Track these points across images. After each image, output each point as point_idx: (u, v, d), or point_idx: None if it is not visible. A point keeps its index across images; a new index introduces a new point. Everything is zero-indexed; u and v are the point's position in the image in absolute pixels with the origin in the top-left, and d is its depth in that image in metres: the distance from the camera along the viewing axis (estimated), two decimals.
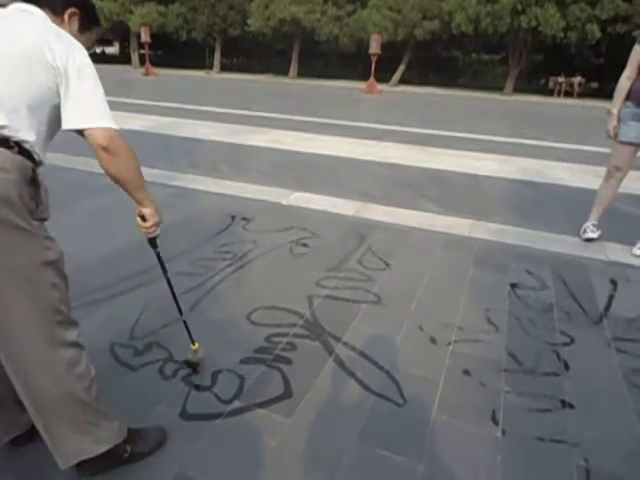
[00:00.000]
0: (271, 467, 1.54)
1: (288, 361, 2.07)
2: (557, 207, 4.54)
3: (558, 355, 2.21)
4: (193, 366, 1.96)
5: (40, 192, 1.25)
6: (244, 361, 2.05)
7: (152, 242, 1.66)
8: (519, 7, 16.46)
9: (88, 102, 1.25)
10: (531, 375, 2.06)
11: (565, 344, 2.31)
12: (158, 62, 23.93)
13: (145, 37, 21.20)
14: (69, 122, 1.24)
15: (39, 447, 1.55)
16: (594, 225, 3.61)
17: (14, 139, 1.17)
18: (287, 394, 1.87)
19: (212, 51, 25.35)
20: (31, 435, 1.54)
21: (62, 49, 1.22)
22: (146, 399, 1.79)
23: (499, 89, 19.79)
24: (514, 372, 2.07)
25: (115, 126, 1.29)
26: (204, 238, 3.35)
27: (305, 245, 3.33)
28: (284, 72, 23.55)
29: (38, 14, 1.30)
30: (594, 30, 15.43)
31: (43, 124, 1.25)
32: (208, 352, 2.03)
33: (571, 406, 1.88)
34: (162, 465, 1.52)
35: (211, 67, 25.38)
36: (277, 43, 23.45)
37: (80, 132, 1.27)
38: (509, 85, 19.58)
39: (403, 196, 4.60)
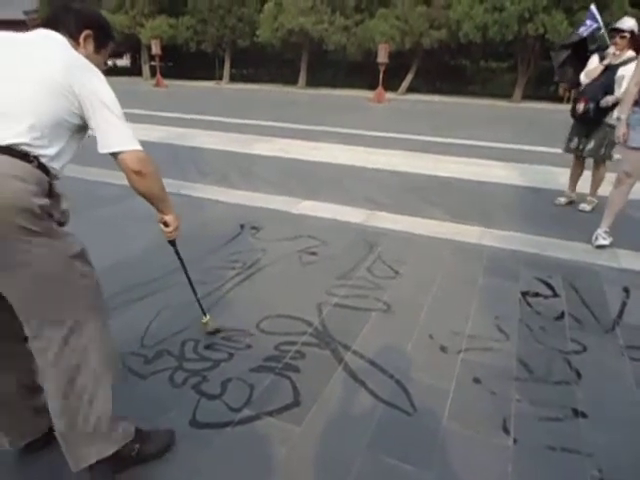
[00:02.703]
0: (281, 475, 1.54)
1: (297, 369, 2.07)
2: (567, 214, 4.50)
3: (570, 363, 2.19)
4: (214, 332, 2.27)
5: (60, 201, 1.34)
6: (254, 369, 2.05)
7: (172, 243, 1.90)
8: (526, 15, 16.44)
9: (116, 129, 1.38)
10: (542, 384, 2.04)
11: (577, 352, 2.28)
12: (168, 74, 24.20)
13: (156, 49, 21.50)
14: (104, 146, 1.38)
15: (53, 453, 1.57)
16: (606, 232, 3.58)
17: (33, 154, 1.25)
18: (296, 402, 1.87)
19: (222, 62, 25.62)
20: (46, 441, 1.56)
21: (87, 79, 1.33)
22: (156, 407, 1.81)
23: (507, 96, 19.73)
24: (525, 381, 2.05)
25: (141, 147, 1.42)
26: (214, 247, 3.37)
27: (314, 253, 3.33)
28: (293, 82, 23.71)
29: (58, 40, 1.38)
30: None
31: (62, 143, 1.34)
32: (218, 360, 2.04)
33: (584, 415, 1.86)
34: (172, 473, 1.53)
35: (221, 78, 25.64)
36: (286, 53, 23.63)
37: (112, 155, 1.40)
38: (518, 92, 19.52)
39: (412, 204, 4.60)
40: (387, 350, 2.24)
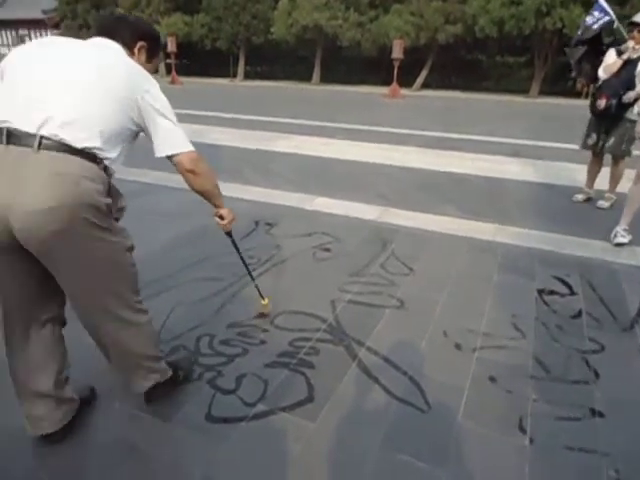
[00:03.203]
0: (295, 471, 1.55)
1: (312, 365, 2.08)
2: (585, 211, 4.43)
3: (587, 363, 2.16)
4: (264, 315, 2.43)
5: (117, 200, 1.51)
6: (268, 365, 2.06)
7: (228, 234, 2.12)
8: (543, 9, 16.15)
9: (172, 133, 1.53)
10: (559, 383, 2.02)
11: (595, 351, 2.25)
12: (184, 71, 24.33)
13: (171, 47, 21.62)
14: (161, 151, 1.54)
15: (70, 447, 1.60)
16: (625, 230, 3.52)
17: (100, 156, 1.39)
18: (310, 398, 1.88)
19: (236, 59, 25.67)
20: (63, 434, 1.60)
21: (146, 88, 1.46)
22: (172, 401, 1.82)
23: (524, 92, 19.44)
24: (542, 379, 2.03)
25: (193, 148, 1.58)
26: (228, 243, 3.38)
27: (328, 250, 3.34)
28: (307, 78, 23.67)
29: (118, 49, 1.51)
30: (622, 31, 15.03)
31: (121, 146, 1.47)
32: (232, 355, 2.06)
33: (601, 415, 1.83)
34: (188, 467, 1.55)
35: (235, 75, 25.70)
36: (300, 50, 23.59)
37: (168, 157, 1.57)
38: (535, 87, 19.22)
39: (426, 200, 4.57)
40: (401, 347, 2.23)
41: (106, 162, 1.42)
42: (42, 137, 1.28)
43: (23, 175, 1.27)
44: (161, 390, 1.78)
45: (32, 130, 1.29)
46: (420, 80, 21.17)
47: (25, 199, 1.26)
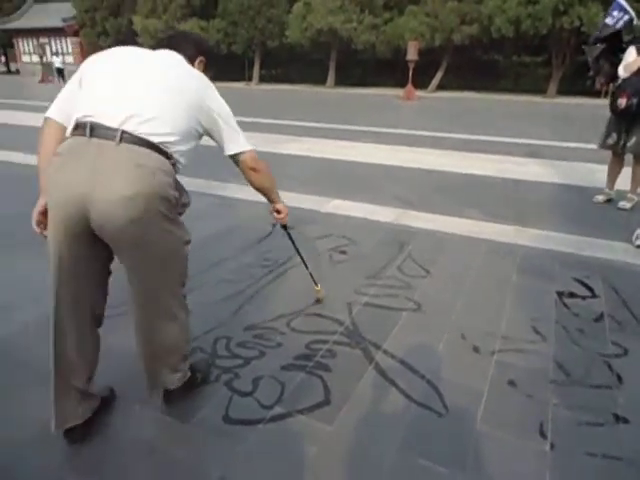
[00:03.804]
0: (312, 474, 1.54)
1: (328, 368, 2.07)
2: (606, 212, 4.35)
3: (610, 367, 2.11)
4: (320, 301, 2.62)
5: (182, 195, 1.62)
6: (285, 367, 2.06)
7: (284, 227, 2.30)
8: (561, 7, 15.93)
9: (236, 134, 1.71)
10: (581, 387, 1.98)
11: (617, 355, 2.20)
12: None
13: None
14: (230, 150, 1.71)
15: (91, 446, 1.63)
16: None
17: (171, 152, 1.50)
18: (327, 401, 1.87)
19: (251, 63, 25.88)
20: (86, 429, 1.64)
21: (214, 97, 1.62)
22: (190, 403, 1.84)
23: (542, 92, 19.20)
24: (563, 384, 1.99)
25: (253, 148, 1.75)
26: (246, 246, 3.41)
27: (344, 252, 3.33)
28: (322, 81, 23.74)
29: (183, 60, 1.64)
30: (639, 27, 14.72)
31: (188, 146, 1.59)
32: (249, 358, 2.08)
33: (625, 421, 1.79)
34: (205, 467, 1.56)
35: (250, 79, 25.92)
36: (314, 53, 23.68)
37: (232, 157, 1.74)
38: (552, 87, 18.97)
39: (443, 202, 4.53)
40: (418, 350, 2.21)
41: (176, 157, 1.53)
42: (124, 132, 1.38)
43: (104, 166, 1.36)
44: (180, 391, 1.80)
45: (114, 125, 1.38)
46: (435, 81, 21.07)
47: (105, 189, 1.35)
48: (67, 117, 1.50)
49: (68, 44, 31.90)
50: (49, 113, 1.56)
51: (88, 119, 1.40)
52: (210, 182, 4.99)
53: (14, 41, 34.07)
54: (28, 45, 33.55)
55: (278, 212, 2.13)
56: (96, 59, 1.56)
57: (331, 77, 23.62)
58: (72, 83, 1.55)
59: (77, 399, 1.60)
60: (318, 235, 3.62)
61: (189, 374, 1.83)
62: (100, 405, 1.73)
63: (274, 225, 3.82)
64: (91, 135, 1.38)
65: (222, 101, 1.66)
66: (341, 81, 23.38)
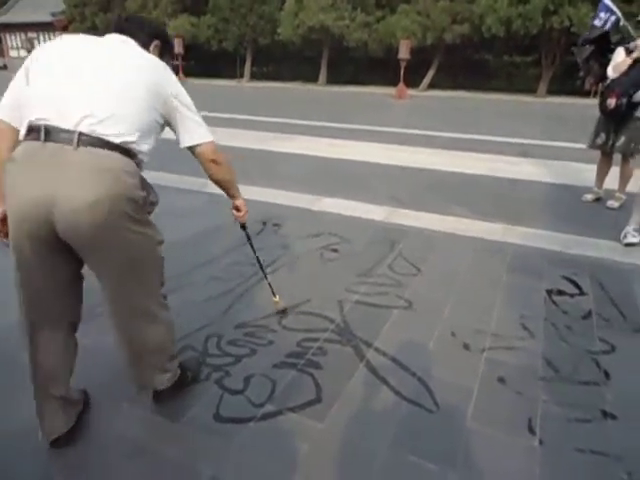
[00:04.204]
0: (304, 471, 1.54)
1: (319, 366, 2.07)
2: (595, 211, 4.40)
3: (598, 363, 2.14)
4: (282, 311, 2.46)
5: (149, 193, 1.54)
6: (276, 365, 2.06)
7: (243, 226, 2.16)
8: (551, 7, 16.02)
9: (196, 124, 1.60)
10: (569, 384, 2.00)
11: (605, 352, 2.23)
12: (190, 72, 24.39)
13: (178, 48, 21.70)
14: (187, 141, 1.60)
15: (80, 447, 1.61)
16: (635, 229, 3.48)
17: (135, 150, 1.43)
18: (318, 399, 1.87)
19: (243, 60, 25.74)
20: (71, 435, 1.62)
21: (171, 81, 1.53)
22: (181, 402, 1.83)
23: (532, 91, 19.30)
24: (551, 380, 2.01)
25: (214, 139, 1.65)
26: (236, 244, 3.39)
27: (335, 250, 3.33)
28: (313, 79, 23.67)
29: (133, 44, 1.54)
30: (629, 29, 14.87)
31: (151, 141, 1.52)
32: (240, 356, 2.06)
33: (613, 417, 1.81)
34: (196, 466, 1.55)
35: (242, 76, 25.77)
36: (306, 51, 23.60)
37: (191, 149, 1.63)
38: (542, 87, 19.09)
39: (434, 201, 4.55)
40: (409, 347, 2.22)
41: (140, 156, 1.47)
42: (81, 133, 1.31)
43: (64, 171, 1.30)
44: (170, 391, 1.78)
45: (70, 127, 1.31)
46: (427, 80, 21.11)
47: (67, 196, 1.29)
48: (16, 117, 1.42)
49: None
50: None
51: (42, 122, 1.32)
52: (197, 179, 4.95)
53: (1, 36, 33.59)
54: (16, 40, 33.08)
55: (237, 209, 2.01)
56: (42, 52, 1.45)
57: (323, 75, 23.56)
58: (18, 80, 1.45)
59: (60, 407, 1.58)
60: (309, 233, 3.62)
61: (179, 372, 1.81)
62: (84, 407, 1.72)
63: (264, 223, 3.81)
64: (46, 139, 1.31)
65: (182, 89, 1.56)
66: (333, 79, 23.34)
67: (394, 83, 18.35)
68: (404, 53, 16.98)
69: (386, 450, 1.63)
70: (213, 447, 1.63)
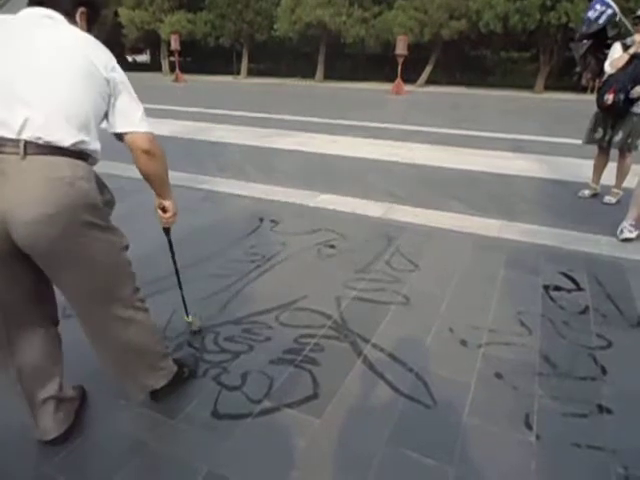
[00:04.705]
0: (301, 467, 1.55)
1: (317, 362, 2.07)
2: (592, 207, 4.40)
3: (595, 359, 2.14)
4: (196, 332, 2.26)
5: (104, 192, 1.45)
6: (273, 362, 2.06)
7: (166, 231, 1.90)
8: (548, 3, 16.03)
9: (131, 109, 1.42)
10: (566, 379, 2.01)
11: (602, 347, 2.23)
12: (187, 69, 24.34)
13: (175, 45, 21.64)
14: (116, 126, 1.42)
15: (78, 444, 1.61)
16: (632, 225, 3.49)
17: (87, 151, 1.32)
18: (316, 395, 1.87)
19: (239, 56, 25.68)
20: (67, 434, 1.61)
21: (106, 60, 1.35)
22: (178, 398, 1.83)
23: (529, 87, 19.32)
24: (548, 376, 2.02)
25: (152, 131, 1.47)
26: (233, 240, 3.39)
27: (332, 247, 3.33)
28: (310, 75, 23.63)
29: (63, 20, 1.36)
30: (627, 25, 14.86)
31: (96, 133, 1.37)
32: (238, 352, 2.07)
33: (609, 411, 1.82)
34: (194, 463, 1.55)
35: (238, 72, 25.71)
36: (303, 47, 23.56)
37: (119, 136, 1.45)
38: (540, 83, 19.11)
39: (431, 197, 4.55)
40: (406, 343, 2.22)
41: (94, 155, 1.37)
42: (27, 142, 1.21)
43: (13, 184, 1.20)
44: (167, 387, 1.77)
45: (12, 135, 1.20)
46: (424, 76, 21.09)
47: (21, 208, 1.20)
48: None
49: None
50: None
51: None
52: (194, 176, 4.95)
53: None
54: None
55: (164, 210, 1.75)
56: None
57: (320, 71, 23.51)
58: None
59: (53, 408, 1.56)
60: (307, 229, 3.62)
61: (175, 369, 1.80)
62: (80, 404, 1.71)
63: (261, 219, 3.80)
64: None
65: (120, 68, 1.40)
66: (330, 75, 23.30)
67: (391, 79, 18.33)
68: (401, 49, 16.96)
69: (383, 445, 1.63)
70: (210, 443, 1.63)
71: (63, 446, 1.59)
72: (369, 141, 7.48)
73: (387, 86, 18.45)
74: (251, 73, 25.95)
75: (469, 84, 21.17)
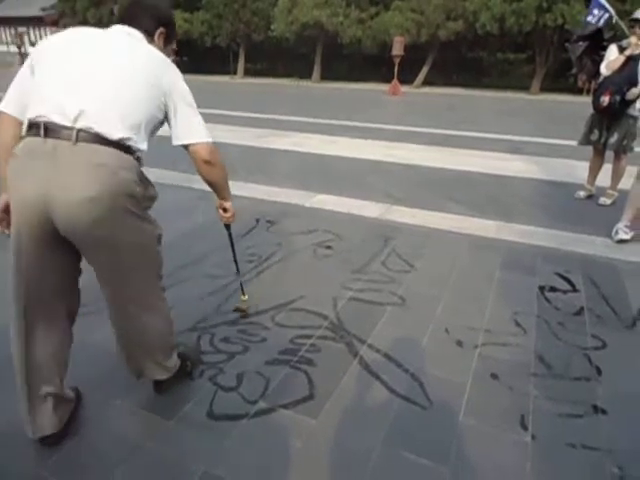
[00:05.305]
0: (297, 468, 1.54)
1: (313, 363, 2.07)
2: (587, 208, 4.42)
3: (589, 359, 2.15)
4: (242, 312, 2.41)
5: (148, 188, 1.52)
6: (269, 362, 2.06)
7: (228, 227, 2.12)
8: (544, 5, 16.07)
9: (193, 122, 1.57)
10: (561, 380, 2.01)
11: (597, 348, 2.24)
12: (183, 68, 23.90)
13: None
14: (181, 139, 1.57)
15: (73, 445, 1.60)
16: (627, 226, 3.50)
17: (134, 147, 1.43)
18: (312, 396, 1.87)
19: (236, 56, 25.61)
20: (63, 433, 1.60)
21: (171, 75, 1.51)
22: (174, 398, 1.82)
23: (525, 88, 19.36)
24: (543, 376, 2.03)
25: (212, 140, 1.62)
26: (228, 241, 3.38)
27: (329, 247, 3.33)
28: (307, 76, 23.59)
29: (140, 38, 1.54)
30: (623, 27, 14.93)
31: (149, 135, 1.51)
32: (233, 352, 2.06)
33: (604, 412, 1.83)
34: (189, 464, 1.54)
35: (235, 72, 25.64)
36: (300, 47, 23.52)
37: (184, 146, 1.60)
38: (536, 84, 19.15)
39: (428, 198, 4.56)
40: (402, 344, 2.23)
41: (138, 153, 1.46)
42: (79, 130, 1.32)
43: (63, 167, 1.31)
44: (170, 381, 1.80)
45: (68, 123, 1.32)
46: (421, 77, 21.11)
47: (66, 190, 1.30)
48: (22, 109, 1.43)
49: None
50: (2, 107, 1.47)
51: (42, 119, 1.33)
52: (190, 175, 4.92)
53: None
54: (5, 34, 32.72)
55: (225, 210, 1.98)
56: (46, 45, 1.46)
57: (317, 72, 23.49)
58: (24, 72, 1.46)
59: (52, 405, 1.55)
60: (303, 230, 3.61)
61: (179, 363, 1.82)
62: (76, 405, 1.71)
63: (258, 220, 3.80)
64: (46, 135, 1.32)
65: (183, 83, 1.56)
66: (327, 76, 23.27)
67: (388, 80, 18.33)
68: (398, 50, 16.97)
69: (379, 446, 1.63)
70: (206, 444, 1.62)
71: (57, 447, 1.58)
72: (366, 142, 7.49)
73: (384, 87, 18.46)
74: (248, 73, 25.90)
75: (465, 85, 21.20)
